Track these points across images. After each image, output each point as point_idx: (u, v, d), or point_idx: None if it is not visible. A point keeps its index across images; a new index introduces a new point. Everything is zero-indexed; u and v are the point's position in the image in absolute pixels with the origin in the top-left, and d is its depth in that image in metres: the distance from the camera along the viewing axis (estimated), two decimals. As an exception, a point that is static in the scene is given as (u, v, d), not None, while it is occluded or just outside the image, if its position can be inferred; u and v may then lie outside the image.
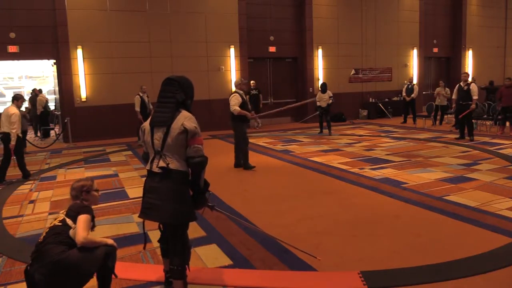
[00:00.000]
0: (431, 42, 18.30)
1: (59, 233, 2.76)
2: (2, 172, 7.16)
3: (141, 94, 11.00)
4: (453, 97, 10.59)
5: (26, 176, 7.31)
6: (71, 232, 2.79)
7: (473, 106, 10.04)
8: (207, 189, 3.08)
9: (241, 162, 7.78)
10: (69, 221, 2.82)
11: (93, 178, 3.17)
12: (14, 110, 7.05)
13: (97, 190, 3.11)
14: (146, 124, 3.09)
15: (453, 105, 10.77)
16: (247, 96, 13.56)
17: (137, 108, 10.93)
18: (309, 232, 4.40)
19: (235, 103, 7.41)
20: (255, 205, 5.46)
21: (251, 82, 13.89)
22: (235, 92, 7.57)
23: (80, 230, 2.75)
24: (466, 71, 17.86)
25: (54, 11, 11.69)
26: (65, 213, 2.90)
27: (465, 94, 10.10)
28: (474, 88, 10.09)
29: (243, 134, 7.62)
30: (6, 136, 7.02)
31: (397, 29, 16.98)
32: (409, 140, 10.62)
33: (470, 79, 11.18)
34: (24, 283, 2.79)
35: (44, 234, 2.80)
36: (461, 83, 10.35)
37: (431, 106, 14.05)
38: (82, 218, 2.80)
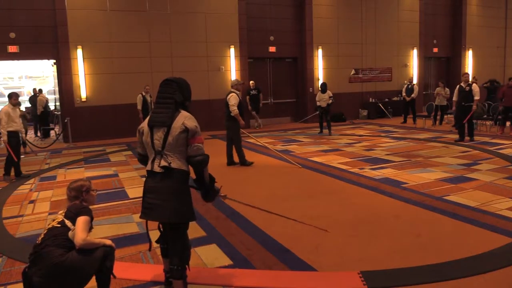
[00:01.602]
0: (431, 42, 18.29)
1: (58, 235, 2.74)
2: (11, 168, 7.28)
3: (143, 93, 11.08)
4: (454, 98, 10.36)
5: (8, 173, 7.34)
6: (70, 234, 2.76)
7: (474, 107, 9.93)
8: (214, 182, 3.18)
9: (233, 159, 7.98)
10: (68, 223, 2.80)
11: (89, 179, 3.17)
12: (3, 109, 7.21)
13: (94, 190, 3.11)
14: (144, 125, 3.09)
15: (454, 107, 10.58)
16: (247, 97, 13.71)
17: (139, 107, 11.07)
18: (309, 232, 4.40)
19: (235, 102, 7.53)
20: (255, 205, 5.44)
21: (251, 82, 13.89)
22: (233, 92, 7.66)
23: (79, 232, 2.73)
24: (466, 71, 17.85)
25: (54, 11, 11.68)
26: (63, 214, 2.87)
27: (467, 94, 9.93)
28: (475, 88, 9.93)
29: (237, 133, 7.79)
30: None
31: (397, 29, 16.97)
32: (409, 140, 10.61)
33: (470, 79, 11.07)
34: (25, 284, 2.78)
35: (42, 235, 2.78)
36: (462, 84, 10.17)
37: (431, 106, 14.05)
38: (82, 220, 2.78)
